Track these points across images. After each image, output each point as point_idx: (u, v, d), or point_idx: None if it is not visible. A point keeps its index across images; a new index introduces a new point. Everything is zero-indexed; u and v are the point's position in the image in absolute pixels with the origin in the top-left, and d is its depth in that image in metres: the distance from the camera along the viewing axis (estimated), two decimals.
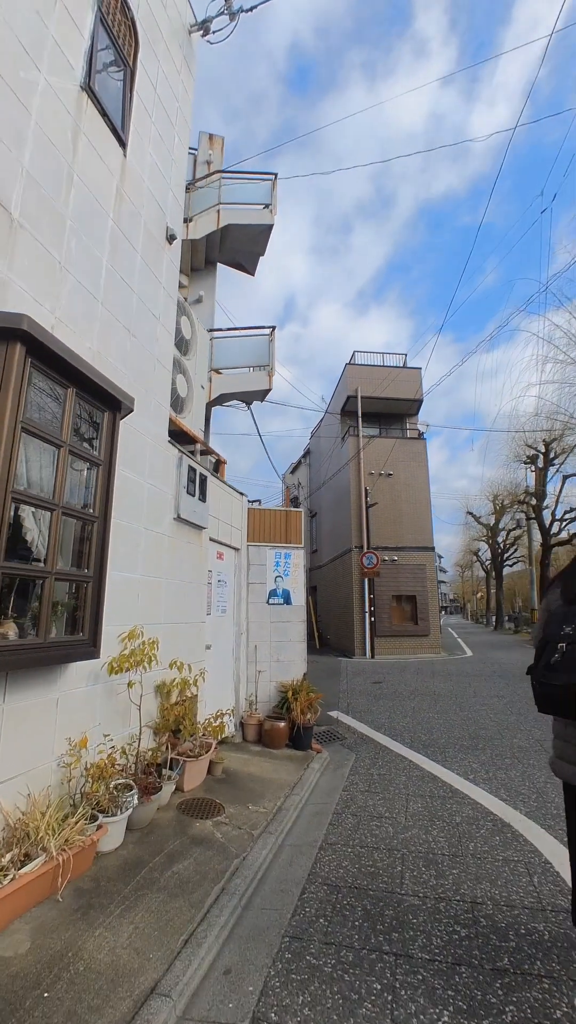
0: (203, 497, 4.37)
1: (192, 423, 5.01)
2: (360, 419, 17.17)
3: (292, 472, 28.78)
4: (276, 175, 8.99)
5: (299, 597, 5.88)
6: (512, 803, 3.67)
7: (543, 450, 19.04)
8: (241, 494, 5.60)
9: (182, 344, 5.00)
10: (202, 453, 5.20)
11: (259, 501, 9.05)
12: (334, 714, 7.00)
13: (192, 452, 4.68)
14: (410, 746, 5.25)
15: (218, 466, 5.82)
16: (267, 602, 5.72)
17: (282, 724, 5.03)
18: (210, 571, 4.79)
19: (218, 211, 8.49)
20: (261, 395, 8.52)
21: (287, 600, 5.81)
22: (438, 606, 16.54)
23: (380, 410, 18.20)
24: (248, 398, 8.67)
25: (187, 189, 8.87)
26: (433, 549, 16.76)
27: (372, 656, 14.78)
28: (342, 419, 18.76)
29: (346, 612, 16.49)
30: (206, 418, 8.53)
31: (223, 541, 5.11)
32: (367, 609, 15.30)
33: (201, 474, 4.37)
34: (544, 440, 18.80)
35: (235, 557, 5.52)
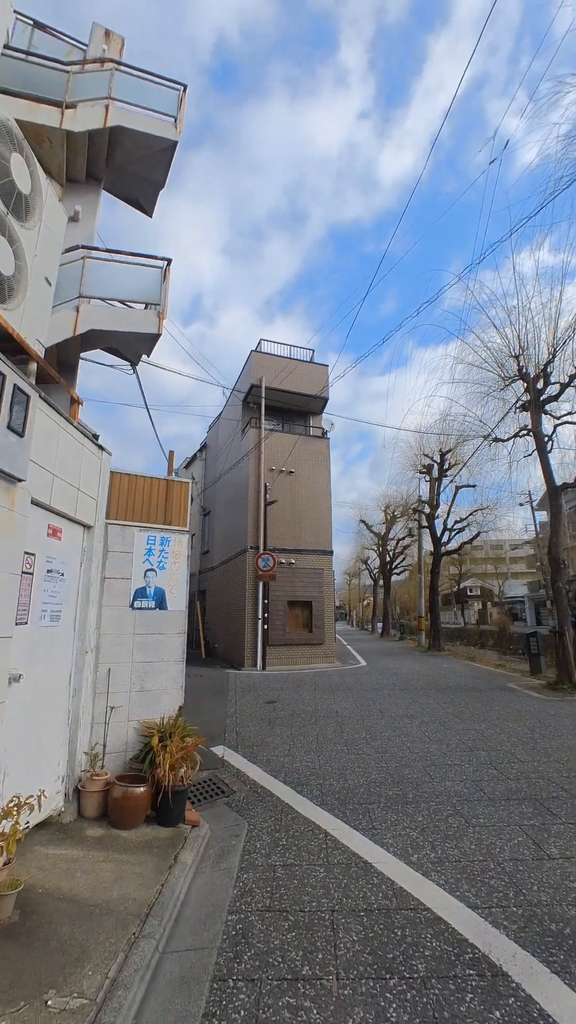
0: (21, 429, 2.61)
1: (22, 326, 3.20)
2: (263, 410, 15.88)
3: (186, 467, 26.70)
4: (185, 87, 7.41)
5: (178, 599, 4.25)
6: (487, 910, 2.42)
7: (438, 460, 19.40)
8: (99, 447, 3.85)
9: (12, 196, 3.18)
10: (40, 380, 3.38)
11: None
12: (219, 751, 5.42)
13: (17, 364, 2.88)
14: (321, 802, 3.87)
15: (70, 407, 4.00)
16: (131, 606, 4.00)
17: (140, 789, 3.35)
18: (30, 554, 2.98)
19: (107, 106, 6.67)
20: (148, 343, 6.74)
21: (161, 603, 4.14)
22: (334, 613, 15.76)
23: (284, 404, 17.11)
24: (130, 346, 6.84)
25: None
26: (331, 553, 15.97)
27: (264, 667, 13.42)
28: (244, 410, 17.35)
29: (237, 619, 14.97)
30: (68, 360, 6.55)
31: (61, 511, 3.32)
32: (260, 616, 13.93)
33: (19, 388, 2.60)
34: (440, 450, 19.14)
35: (83, 538, 3.73)
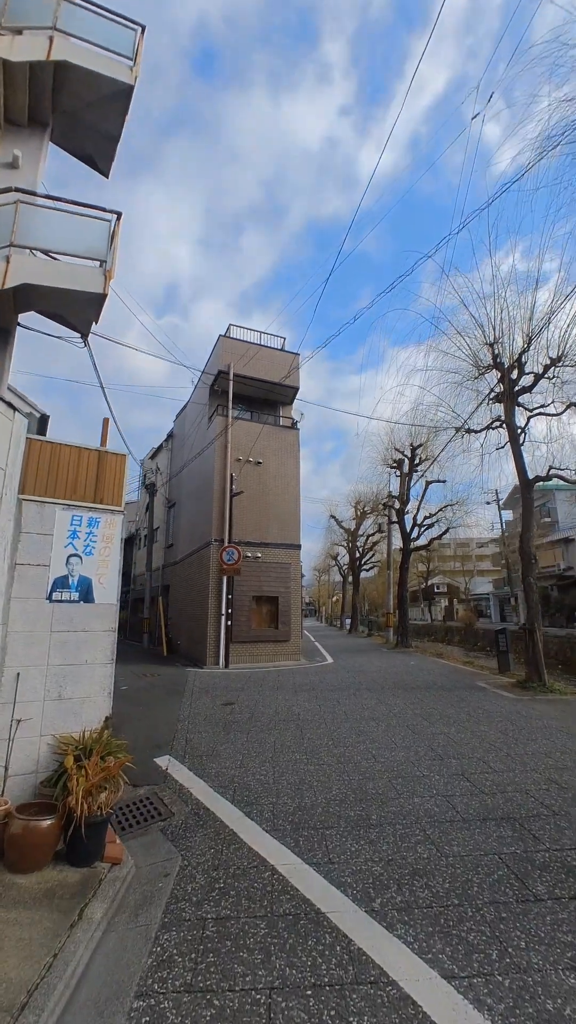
0: None
1: None
2: (231, 397, 15.20)
3: (152, 457, 25.75)
4: (143, 27, 6.71)
5: (108, 591, 3.61)
6: (466, 982, 1.91)
7: (409, 455, 19.15)
8: (9, 405, 3.17)
9: None
10: None
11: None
12: (164, 762, 4.81)
13: None
14: (272, 827, 3.33)
15: None
16: (48, 598, 3.34)
17: (47, 822, 2.72)
18: None
19: (51, 37, 5.92)
20: (93, 307, 5.99)
21: (87, 595, 3.50)
22: (301, 609, 15.29)
23: (253, 393, 16.45)
24: (74, 309, 6.09)
25: None
26: (299, 547, 15.46)
27: (226, 665, 12.81)
28: (211, 398, 16.62)
29: (200, 615, 14.30)
30: (1, 323, 5.77)
31: None
32: (224, 612, 13.30)
33: None
34: (411, 444, 18.89)
35: None
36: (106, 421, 4.36)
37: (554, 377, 9.93)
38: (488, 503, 40.71)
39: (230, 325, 16.87)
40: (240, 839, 3.18)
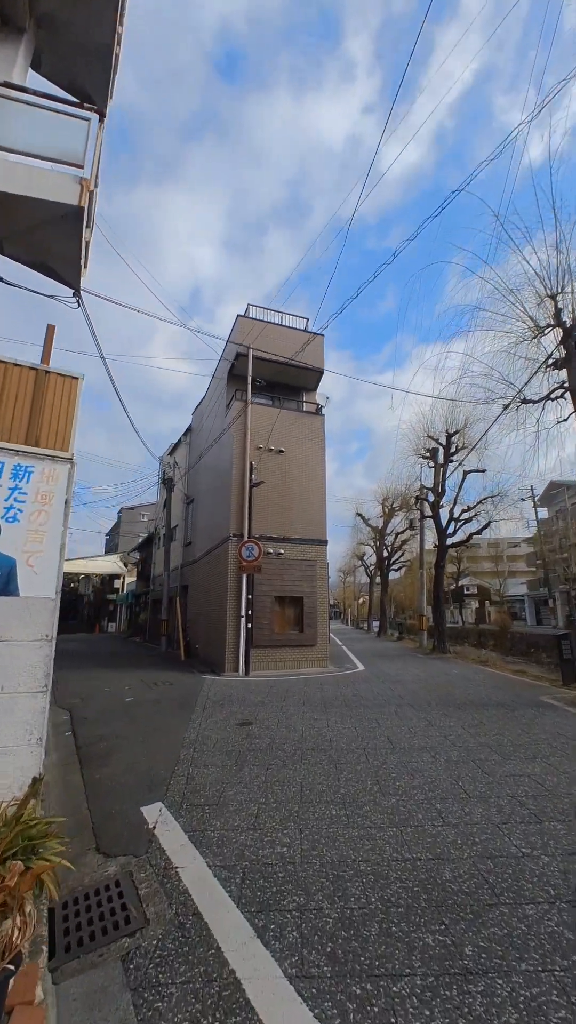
0: None
1: None
2: (250, 380, 13.97)
3: (170, 453, 24.81)
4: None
5: (43, 579, 2.36)
6: None
7: (444, 443, 17.58)
8: None
9: None
10: None
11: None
12: (152, 813, 3.55)
13: None
14: (300, 969, 2.01)
15: None
16: None
17: None
18: None
19: None
20: (68, 232, 4.80)
21: (6, 587, 2.26)
22: (327, 610, 13.94)
23: (274, 377, 15.22)
24: (35, 216, 4.86)
25: None
26: (326, 543, 14.10)
27: (246, 672, 11.56)
28: (229, 383, 15.46)
29: (218, 617, 13.11)
30: None
31: None
32: (243, 613, 12.05)
33: None
34: (447, 431, 17.32)
35: None
36: (50, 329, 3.13)
37: None
38: (523, 499, 38.44)
39: (249, 305, 15.68)
40: (245, 995, 1.88)
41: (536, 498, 41.75)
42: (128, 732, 5.96)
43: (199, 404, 21.06)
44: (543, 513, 44.50)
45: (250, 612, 12.04)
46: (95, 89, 6.59)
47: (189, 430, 22.22)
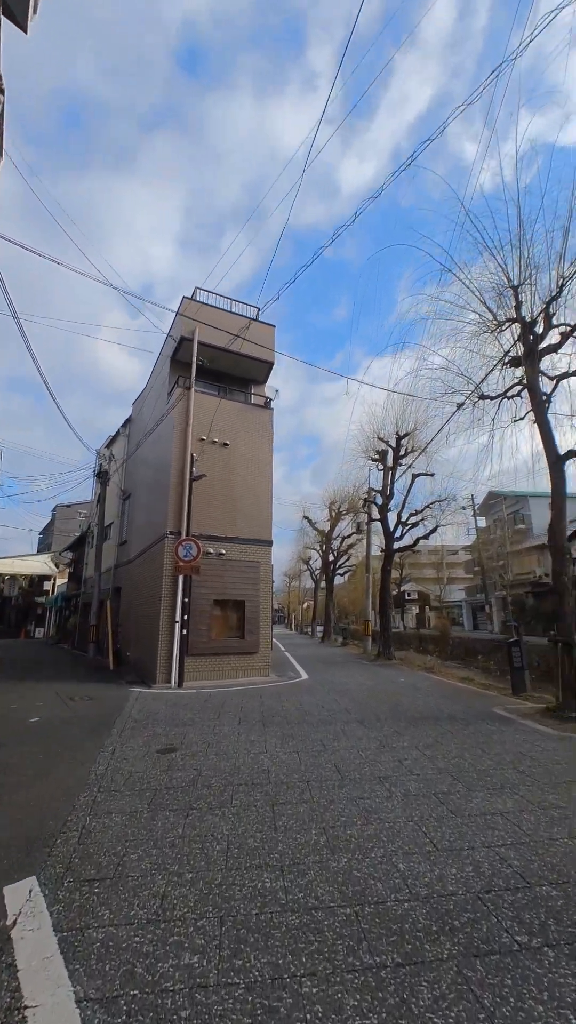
0: None
1: None
2: (195, 366, 12.93)
3: (108, 446, 23.16)
4: None
5: None
6: None
7: (394, 445, 17.30)
8: None
9: None
10: None
11: None
12: (16, 900, 2.53)
13: None
14: None
15: None
16: None
17: None
18: None
19: None
20: None
21: None
22: (271, 615, 13.10)
23: (221, 367, 14.28)
24: None
25: None
26: (271, 544, 13.28)
27: (179, 683, 10.48)
28: (172, 370, 14.32)
29: (151, 623, 11.93)
30: None
31: None
32: (179, 618, 10.97)
33: None
34: (396, 433, 17.05)
35: None
36: None
37: None
38: (464, 508, 39.40)
39: (196, 288, 14.63)
40: None
41: (476, 507, 43.08)
42: (19, 765, 4.81)
43: (139, 396, 19.71)
44: (482, 522, 46.08)
45: (186, 617, 10.98)
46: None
47: (128, 421, 20.77)
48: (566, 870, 2.80)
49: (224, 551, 12.14)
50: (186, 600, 11.07)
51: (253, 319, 14.80)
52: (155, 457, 14.49)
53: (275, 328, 15.17)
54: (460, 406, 9.90)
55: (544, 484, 8.06)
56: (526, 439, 10.11)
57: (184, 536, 11.25)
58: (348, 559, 30.72)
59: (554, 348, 8.23)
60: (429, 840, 3.18)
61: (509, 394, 8.75)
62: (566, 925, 2.31)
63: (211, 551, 11.86)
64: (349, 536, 28.34)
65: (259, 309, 15.71)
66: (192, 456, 12.03)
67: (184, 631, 10.89)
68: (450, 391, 9.27)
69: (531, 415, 8.41)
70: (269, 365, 14.86)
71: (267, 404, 14.60)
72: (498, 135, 14.51)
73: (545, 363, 8.50)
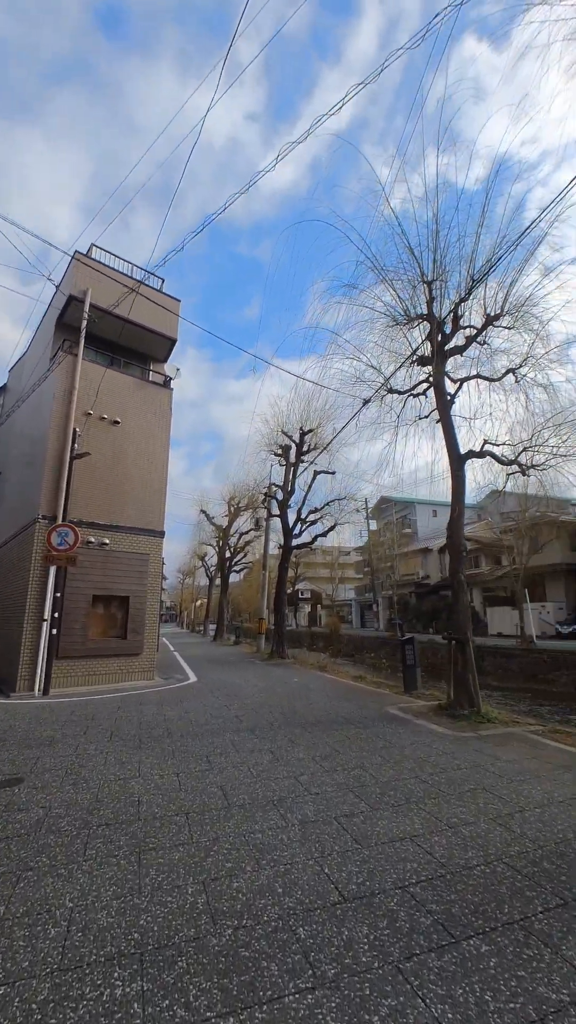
0: None
1: None
2: (84, 331, 11.38)
3: None
4: None
5: None
6: None
7: (297, 440, 17.03)
8: None
9: None
10: None
11: None
12: None
13: None
14: None
15: None
16: None
17: None
18: None
19: None
20: None
21: None
22: (158, 613, 11.99)
23: (117, 338, 12.86)
24: None
25: None
26: (163, 535, 12.18)
27: (45, 691, 9.03)
28: (57, 333, 12.54)
29: (15, 620, 10.22)
30: None
31: None
32: (47, 616, 9.48)
33: None
34: (300, 429, 16.80)
35: None
36: None
37: (484, 343, 8.40)
38: (358, 510, 41.01)
39: (92, 245, 12.99)
40: None
41: (369, 510, 45.04)
42: None
43: (18, 362, 17.27)
44: (374, 525, 48.39)
45: (56, 615, 9.52)
46: None
47: (3, 389, 18.13)
48: (491, 911, 2.37)
49: (107, 541, 10.81)
50: (58, 595, 9.61)
51: (157, 289, 13.54)
52: (31, 429, 12.61)
53: (180, 303, 14.04)
54: (367, 402, 9.75)
55: (430, 493, 8.13)
56: (427, 440, 10.29)
57: (60, 521, 9.76)
58: (245, 556, 30.17)
59: (459, 350, 8.34)
60: (334, 886, 2.60)
61: (416, 392, 8.73)
62: (504, 999, 1.84)
63: (92, 540, 10.49)
64: (247, 532, 27.79)
65: (163, 280, 14.47)
66: (75, 431, 10.54)
67: (54, 630, 9.42)
68: (359, 381, 9.03)
69: (435, 414, 8.45)
70: (171, 342, 13.71)
71: (167, 383, 13.44)
72: (424, 136, 14.87)
73: (449, 365, 8.61)
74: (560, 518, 26.92)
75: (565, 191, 5.86)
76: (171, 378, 13.54)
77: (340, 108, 5.59)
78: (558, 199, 6.07)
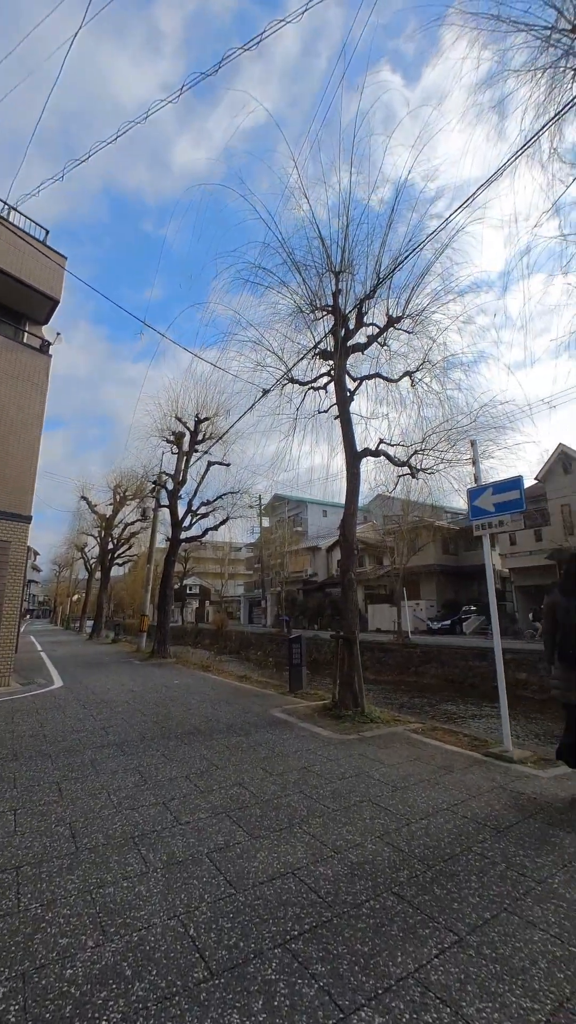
0: None
1: None
2: None
3: None
4: None
5: None
6: None
7: (192, 428, 16.17)
8: None
9: None
10: None
11: None
12: None
13: None
14: None
15: None
16: None
17: None
18: None
19: None
20: None
21: None
22: (20, 607, 10.46)
23: None
24: None
25: None
26: (29, 519, 10.66)
27: None
28: None
29: None
30: None
31: None
32: None
33: None
34: (197, 416, 15.97)
35: None
36: None
37: (385, 344, 8.47)
38: (251, 506, 40.88)
39: None
40: None
41: (262, 508, 45.17)
42: None
43: None
44: (267, 522, 48.65)
45: None
46: None
47: None
48: (382, 964, 2.04)
49: None
50: None
51: (41, 241, 11.85)
52: None
53: (67, 260, 12.45)
54: (267, 391, 9.36)
55: (324, 493, 8.04)
56: (324, 440, 10.24)
57: None
58: (130, 547, 28.29)
59: (361, 348, 8.30)
60: (200, 955, 2.09)
61: (316, 384, 8.53)
62: None
63: None
64: (133, 523, 26.07)
65: (47, 232, 12.75)
66: None
67: None
68: (260, 368, 8.60)
69: (334, 409, 8.32)
70: (53, 302, 12.10)
71: (44, 348, 11.81)
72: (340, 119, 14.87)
73: (349, 363, 8.54)
74: (436, 523, 29.18)
75: (462, 205, 5.97)
76: (50, 343, 11.94)
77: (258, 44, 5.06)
78: (456, 213, 6.19)
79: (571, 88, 5.64)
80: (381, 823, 3.36)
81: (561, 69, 5.65)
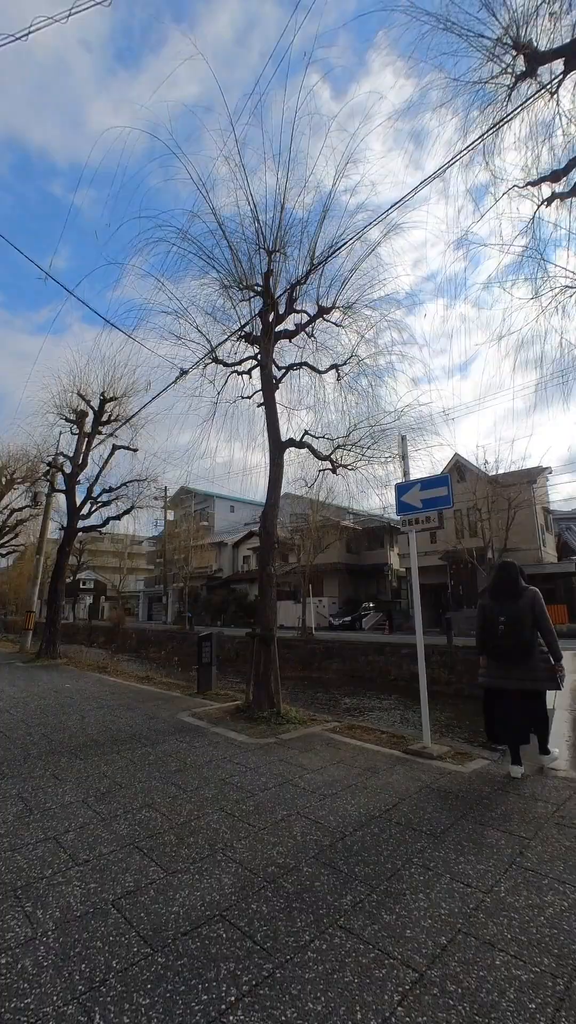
0: None
1: None
2: None
3: None
4: None
5: None
6: None
7: (96, 407, 14.79)
8: None
9: None
10: None
11: None
12: None
13: None
14: None
15: None
16: None
17: None
18: None
19: None
20: None
21: None
22: None
23: None
24: None
25: None
26: None
27: None
28: None
29: None
30: None
31: None
32: None
33: None
34: (103, 395, 14.63)
35: None
36: None
37: (312, 335, 8.29)
38: (156, 498, 39.15)
39: None
40: None
41: (167, 500, 43.46)
42: None
43: None
44: (171, 515, 46.91)
45: None
46: None
47: None
48: None
49: None
50: None
51: None
52: None
53: None
54: (185, 372, 8.72)
55: (242, 486, 7.68)
56: (245, 429, 9.78)
57: None
58: (16, 536, 25.47)
59: (289, 335, 8.02)
60: None
61: (241, 368, 8.09)
62: None
63: None
64: (22, 510, 23.47)
65: None
66: None
67: None
68: (181, 343, 7.94)
69: (258, 396, 7.95)
70: None
71: None
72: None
73: (274, 352, 8.22)
74: (342, 523, 30.01)
75: (386, 213, 5.93)
76: None
77: None
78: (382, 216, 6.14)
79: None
80: (314, 839, 3.06)
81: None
